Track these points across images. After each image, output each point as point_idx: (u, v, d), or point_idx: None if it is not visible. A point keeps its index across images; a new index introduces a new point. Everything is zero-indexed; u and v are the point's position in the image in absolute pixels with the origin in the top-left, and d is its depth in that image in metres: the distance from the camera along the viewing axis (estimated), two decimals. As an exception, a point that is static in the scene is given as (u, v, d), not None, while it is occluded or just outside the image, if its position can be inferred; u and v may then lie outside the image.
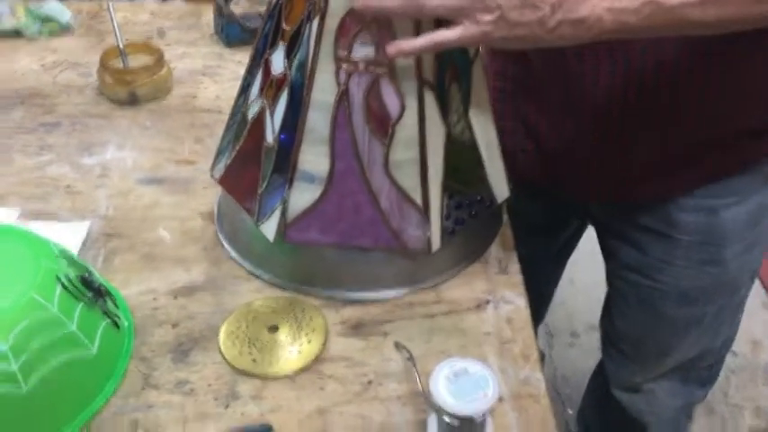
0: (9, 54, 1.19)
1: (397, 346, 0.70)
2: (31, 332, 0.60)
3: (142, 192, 0.90)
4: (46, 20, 1.25)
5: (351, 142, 0.70)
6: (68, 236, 0.82)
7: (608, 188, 0.85)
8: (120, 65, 1.08)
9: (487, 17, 0.58)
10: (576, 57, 0.62)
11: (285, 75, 0.71)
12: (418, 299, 0.76)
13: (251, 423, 0.63)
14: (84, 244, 0.82)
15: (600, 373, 1.11)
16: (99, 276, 0.73)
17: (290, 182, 0.72)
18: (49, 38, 1.24)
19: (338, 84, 0.68)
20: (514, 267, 0.79)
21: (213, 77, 1.15)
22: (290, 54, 0.70)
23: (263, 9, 1.26)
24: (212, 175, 0.82)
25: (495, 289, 0.76)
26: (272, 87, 0.72)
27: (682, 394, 1.04)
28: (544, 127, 0.83)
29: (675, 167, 0.80)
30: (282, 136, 0.72)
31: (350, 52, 0.67)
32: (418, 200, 0.72)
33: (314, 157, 0.71)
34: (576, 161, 0.84)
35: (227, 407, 0.65)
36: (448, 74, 0.70)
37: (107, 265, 0.79)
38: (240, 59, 1.19)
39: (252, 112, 0.75)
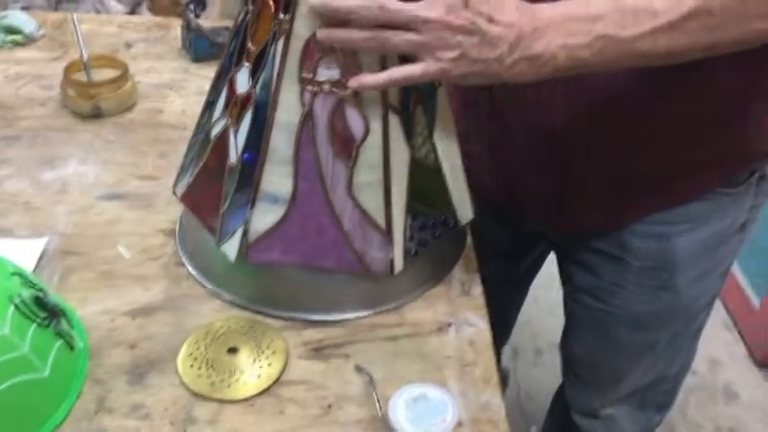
0: (-29, 64, 1.17)
1: (358, 369, 0.70)
2: (-19, 354, 0.58)
3: (103, 208, 0.89)
4: (9, 30, 1.23)
5: (314, 163, 0.69)
6: (24, 253, 0.80)
7: (563, 216, 0.86)
8: (84, 78, 1.06)
9: (449, 54, 0.59)
10: (533, 86, 0.63)
11: (250, 94, 0.71)
12: (380, 321, 0.75)
13: (207, 448, 0.62)
14: (40, 261, 0.80)
15: (560, 397, 1.11)
16: (54, 296, 0.71)
17: (253, 202, 0.71)
18: (12, 48, 1.22)
19: (302, 104, 0.68)
20: (477, 290, 0.79)
21: (179, 92, 1.14)
22: (255, 73, 0.70)
23: (231, 24, 1.25)
24: (174, 192, 0.81)
25: (458, 311, 0.76)
26: (236, 106, 0.72)
27: (639, 420, 1.04)
28: (506, 152, 0.83)
29: (627, 197, 0.81)
30: (246, 155, 0.72)
31: (315, 74, 0.67)
32: (381, 222, 0.72)
33: (277, 178, 0.70)
34: (534, 189, 0.84)
35: None
36: (413, 98, 0.70)
37: (63, 284, 0.78)
38: (207, 74, 1.18)
39: (216, 129, 0.75)
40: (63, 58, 1.19)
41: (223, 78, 0.75)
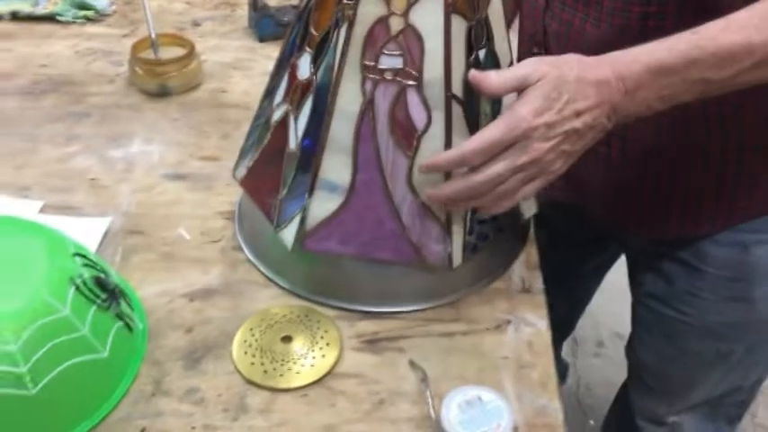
0: (44, 39, 1.20)
1: (412, 365, 0.68)
2: (42, 335, 0.60)
3: (165, 188, 0.90)
4: (81, 6, 1.25)
5: (374, 153, 0.68)
6: (88, 232, 0.81)
7: (635, 222, 0.83)
8: (152, 56, 1.07)
9: (557, 164, 0.61)
10: None
11: (311, 81, 0.69)
12: (437, 315, 0.74)
13: (258, 437, 0.62)
14: (103, 240, 0.81)
15: (623, 399, 1.08)
16: (115, 276, 0.72)
17: (312, 190, 0.70)
18: (83, 24, 1.24)
19: (364, 93, 0.66)
20: (538, 287, 0.76)
21: (244, 72, 1.13)
22: (316, 60, 0.69)
23: (297, 2, 1.24)
24: (234, 176, 0.81)
25: (517, 309, 0.74)
26: (296, 92, 0.71)
27: (710, 427, 1.00)
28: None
29: (705, 205, 0.78)
30: (305, 142, 0.71)
31: (377, 62, 0.65)
32: (440, 214, 0.70)
33: (336, 167, 0.69)
34: (606, 193, 0.81)
35: (235, 420, 0.64)
36: None
37: (125, 264, 0.79)
38: (271, 54, 1.17)
39: (276, 115, 0.74)
40: (133, 34, 1.21)
41: (285, 64, 0.74)
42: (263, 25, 1.19)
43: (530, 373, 0.68)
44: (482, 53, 0.69)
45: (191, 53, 1.07)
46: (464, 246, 0.72)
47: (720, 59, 0.58)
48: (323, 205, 0.71)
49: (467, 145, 0.61)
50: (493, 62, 0.70)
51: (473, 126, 0.69)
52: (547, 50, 0.79)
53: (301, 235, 0.72)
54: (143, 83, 1.06)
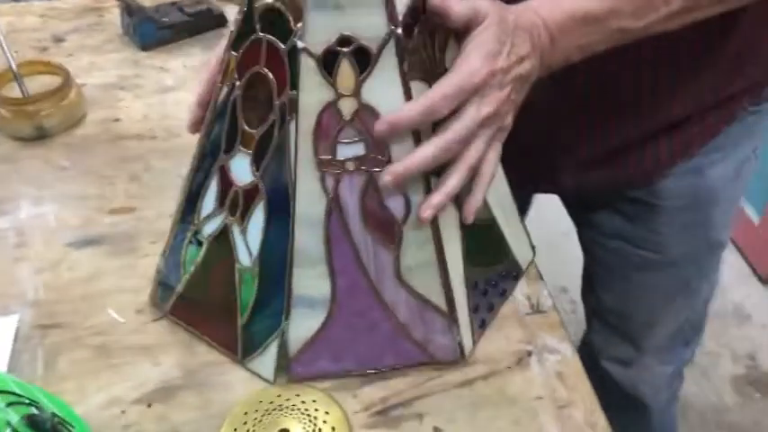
0: None
1: (439, 432, 0.58)
2: None
3: (75, 259, 0.73)
4: None
5: (352, 255, 0.57)
6: (-7, 338, 0.64)
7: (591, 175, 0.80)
8: (18, 92, 0.88)
9: (506, 106, 0.56)
10: None
11: (257, 186, 0.57)
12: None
13: None
14: (14, 346, 0.64)
15: (586, 345, 1.06)
16: (47, 398, 0.57)
17: (287, 311, 0.59)
18: None
19: (326, 191, 0.55)
20: (547, 303, 0.67)
21: (134, 91, 0.96)
22: (259, 162, 0.56)
23: (175, -1, 1.07)
24: (156, 306, 0.67)
25: (533, 335, 0.65)
26: (237, 200, 0.59)
27: (672, 359, 1.01)
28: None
29: (662, 145, 0.76)
30: (264, 258, 0.59)
31: (334, 154, 0.54)
32: (441, 303, 0.60)
33: (310, 281, 0.58)
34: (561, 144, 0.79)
35: None
36: None
37: (51, 373, 0.63)
38: (162, 65, 1.01)
39: (209, 228, 0.62)
40: (-17, 65, 0.99)
41: (207, 168, 0.60)
42: (144, 31, 1.02)
43: (572, 414, 0.59)
44: None
45: (66, 81, 0.89)
46: (472, 328, 0.63)
47: (639, 8, 0.58)
48: (304, 324, 0.60)
49: (431, 93, 0.52)
50: None
51: (459, 204, 0.59)
52: None
53: (284, 362, 0.61)
54: (13, 127, 0.87)
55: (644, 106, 0.73)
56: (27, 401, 0.53)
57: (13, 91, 0.88)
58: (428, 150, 0.53)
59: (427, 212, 0.55)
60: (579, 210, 0.92)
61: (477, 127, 0.54)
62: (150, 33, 1.02)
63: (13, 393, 0.53)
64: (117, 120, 0.91)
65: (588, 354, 1.05)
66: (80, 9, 1.13)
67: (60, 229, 0.76)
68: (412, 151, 0.54)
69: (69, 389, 0.61)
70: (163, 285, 0.67)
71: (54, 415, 0.54)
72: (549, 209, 0.96)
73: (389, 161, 0.55)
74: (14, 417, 0.50)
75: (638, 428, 1.08)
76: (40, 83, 0.90)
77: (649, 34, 0.60)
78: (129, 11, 1.01)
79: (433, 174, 0.56)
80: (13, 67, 0.87)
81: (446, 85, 0.52)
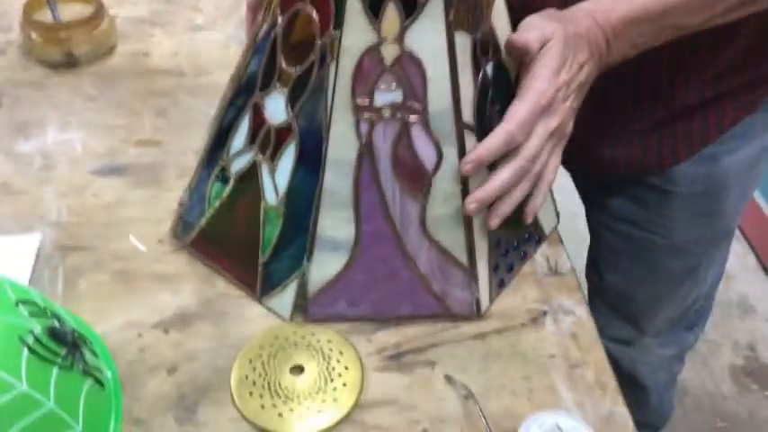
0: None
1: (450, 380, 0.59)
2: (-3, 425, 0.45)
3: (101, 186, 0.73)
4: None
5: (379, 202, 0.58)
6: (14, 256, 0.65)
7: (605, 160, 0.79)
8: (50, 18, 0.87)
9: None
10: None
11: (290, 125, 0.57)
12: (461, 313, 0.64)
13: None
14: (36, 264, 0.65)
15: None
16: (66, 313, 0.58)
17: (310, 251, 0.59)
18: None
19: (359, 137, 0.55)
20: (566, 266, 0.68)
21: (165, 28, 0.96)
22: (294, 101, 0.56)
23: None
24: (177, 237, 0.67)
25: (550, 296, 0.65)
26: (268, 139, 0.59)
27: (674, 342, 1.01)
28: None
29: (678, 134, 0.76)
30: (292, 198, 0.59)
31: (371, 100, 0.54)
32: (463, 258, 0.60)
33: (336, 223, 0.58)
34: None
35: (256, 481, 0.52)
36: (490, 112, 0.58)
37: (71, 293, 0.63)
38: (194, 3, 1.00)
39: (238, 165, 0.62)
40: (15, -10, 0.99)
41: (240, 104, 0.60)
42: (178, -31, 1.01)
43: (584, 374, 0.59)
44: (489, 68, 0.58)
45: (99, 10, 0.88)
46: (491, 286, 0.63)
47: (695, 7, 0.59)
48: (326, 266, 0.60)
49: (507, 123, 0.55)
50: (501, 76, 0.60)
51: (490, 166, 0.59)
52: None
53: (301, 301, 0.61)
54: (43, 53, 0.87)
55: (663, 90, 0.72)
56: (49, 314, 0.54)
57: (46, 16, 0.88)
58: (505, 175, 0.57)
59: (481, 196, 0.57)
60: (591, 191, 0.91)
61: (546, 141, 0.57)
62: (184, -30, 1.01)
63: (36, 305, 0.54)
64: (146, 54, 0.91)
65: None
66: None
67: (86, 156, 0.77)
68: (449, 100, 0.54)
69: (88, 310, 0.62)
70: (184, 219, 0.67)
71: (74, 330, 0.55)
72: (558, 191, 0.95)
73: (425, 110, 0.55)
74: (37, 326, 0.51)
75: (634, 408, 1.09)
76: (72, 11, 0.90)
77: (706, 27, 0.61)
78: (164, -54, 1.00)
79: (466, 126, 0.56)
80: (47, -9, 0.87)
81: (520, 113, 0.55)
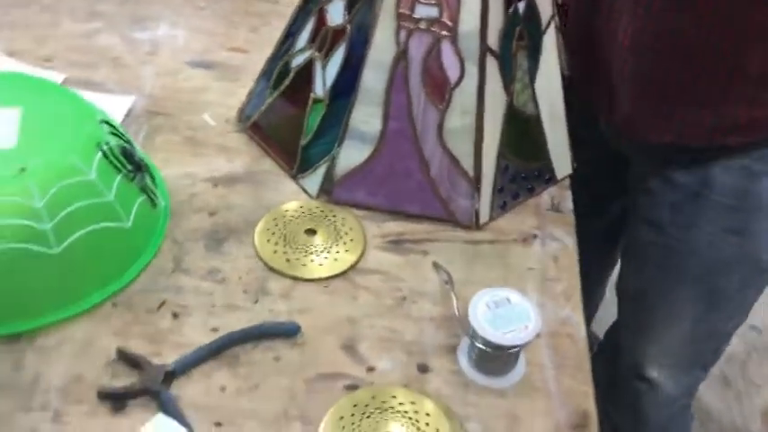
0: None
1: (436, 266, 0.68)
2: (68, 195, 0.58)
3: (191, 74, 0.87)
4: None
5: (406, 104, 0.67)
6: (112, 107, 0.78)
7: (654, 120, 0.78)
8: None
9: None
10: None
11: (344, 28, 0.68)
12: (463, 223, 0.72)
13: (278, 320, 0.62)
14: (126, 118, 0.79)
15: (610, 339, 1.05)
16: (140, 151, 0.71)
17: (341, 139, 0.70)
18: None
19: (398, 43, 0.65)
20: (567, 207, 0.75)
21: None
22: (351, 7, 0.67)
23: None
24: (241, 120, 0.79)
25: (545, 225, 0.73)
26: (326, 39, 0.69)
27: (684, 382, 0.98)
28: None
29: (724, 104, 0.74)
30: (335, 91, 0.70)
31: (412, 11, 0.63)
32: (470, 170, 0.69)
33: (367, 117, 0.68)
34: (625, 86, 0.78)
35: (255, 302, 0.63)
36: (515, 42, 0.67)
37: (148, 143, 0.77)
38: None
39: (298, 60, 0.73)
40: None
41: (309, 9, 0.72)
42: None
43: (554, 286, 0.67)
44: (521, 6, 0.67)
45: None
46: (492, 203, 0.72)
47: None
48: (352, 155, 0.70)
49: None
50: (532, 15, 0.69)
51: (508, 81, 0.67)
52: None
53: (328, 184, 0.72)
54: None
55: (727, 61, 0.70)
56: (125, 140, 0.67)
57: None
58: None
59: None
60: (632, 191, 0.90)
61: None
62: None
63: (116, 129, 0.67)
64: (254, -16, 1.05)
65: (608, 354, 1.03)
66: None
67: (185, 50, 0.90)
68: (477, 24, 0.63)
69: (158, 158, 0.75)
70: (251, 104, 0.79)
71: (142, 159, 0.68)
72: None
73: (456, 28, 0.64)
74: (113, 141, 0.64)
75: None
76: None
77: None
78: None
79: (490, 50, 0.65)
80: None
81: None
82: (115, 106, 0.79)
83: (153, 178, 0.70)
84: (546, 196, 0.76)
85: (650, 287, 0.92)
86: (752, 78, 0.71)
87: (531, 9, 0.68)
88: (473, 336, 0.57)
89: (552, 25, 0.71)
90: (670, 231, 0.84)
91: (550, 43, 0.72)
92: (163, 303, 0.62)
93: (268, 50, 0.79)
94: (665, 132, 0.78)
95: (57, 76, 0.83)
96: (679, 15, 0.69)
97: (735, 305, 0.88)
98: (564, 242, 0.71)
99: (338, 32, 0.69)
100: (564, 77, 0.75)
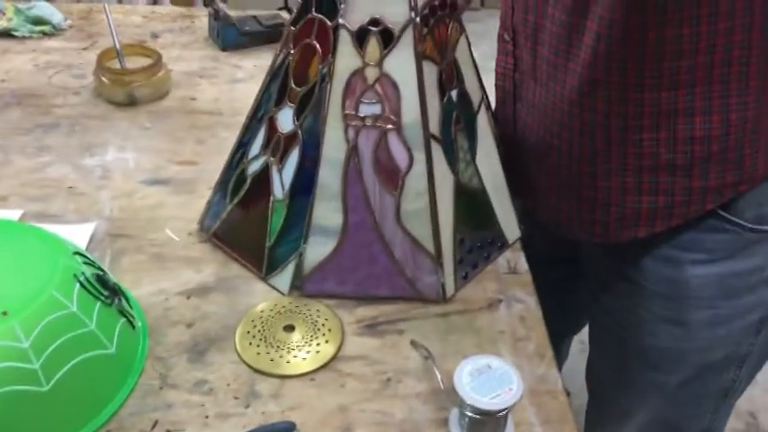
0: (1, 54, 1.17)
1: (414, 344, 0.71)
2: (52, 331, 0.59)
3: (146, 192, 0.90)
4: (37, 21, 1.23)
5: (363, 195, 0.72)
6: (74, 237, 0.80)
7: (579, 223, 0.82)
8: (118, 65, 1.07)
9: None
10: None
11: (295, 133, 0.73)
12: (430, 298, 0.76)
13: (273, 421, 0.63)
14: (89, 245, 0.81)
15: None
16: (112, 276, 0.72)
17: (306, 236, 0.74)
18: (40, 39, 1.23)
19: (347, 140, 0.71)
20: (523, 267, 0.80)
21: (210, 80, 1.14)
22: (300, 114, 0.72)
23: (256, 13, 1.26)
24: (203, 230, 0.83)
25: (506, 288, 0.77)
26: (279, 144, 0.74)
27: None
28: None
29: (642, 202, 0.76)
30: (294, 191, 0.74)
31: (357, 110, 0.70)
32: (431, 248, 0.73)
33: (328, 212, 0.73)
34: (549, 193, 0.83)
35: (247, 406, 0.65)
36: (453, 126, 0.73)
37: (115, 265, 0.78)
38: (237, 62, 1.19)
39: (254, 167, 0.77)
40: (92, 47, 1.20)
41: (259, 118, 0.77)
42: (227, 34, 1.21)
43: (526, 346, 0.71)
44: (454, 93, 0.74)
45: (157, 62, 1.08)
46: (455, 275, 0.76)
47: None
48: (318, 249, 0.74)
49: None
50: (464, 101, 0.76)
51: (453, 161, 0.74)
52: (515, 34, 0.83)
53: (297, 280, 0.75)
54: (110, 93, 1.06)
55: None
56: (97, 267, 0.69)
57: (114, 65, 1.07)
58: None
59: None
60: (587, 281, 0.91)
61: None
62: (231, 37, 1.21)
63: (88, 259, 0.69)
64: (194, 98, 1.09)
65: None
66: (176, 15, 1.34)
67: (137, 170, 0.93)
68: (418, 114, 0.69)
69: (128, 279, 0.77)
70: (210, 214, 0.82)
71: (115, 283, 0.70)
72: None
73: (399, 121, 0.70)
74: (88, 271, 0.66)
75: None
76: (136, 62, 1.09)
77: None
78: (216, 17, 1.21)
79: (433, 136, 0.71)
80: (117, 46, 1.07)
81: None
82: (77, 235, 0.81)
83: (127, 300, 0.71)
84: (502, 261, 0.81)
85: (602, 377, 0.95)
86: (645, 168, 0.74)
87: (463, 95, 0.75)
88: (462, 406, 0.60)
89: (483, 106, 0.78)
90: (617, 319, 0.86)
91: (484, 122, 0.78)
92: (156, 423, 0.63)
93: (217, 159, 0.83)
94: (579, 231, 0.81)
95: (14, 213, 0.84)
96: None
97: (686, 402, 0.85)
98: (526, 302, 0.76)
99: (290, 138, 0.74)
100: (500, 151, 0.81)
